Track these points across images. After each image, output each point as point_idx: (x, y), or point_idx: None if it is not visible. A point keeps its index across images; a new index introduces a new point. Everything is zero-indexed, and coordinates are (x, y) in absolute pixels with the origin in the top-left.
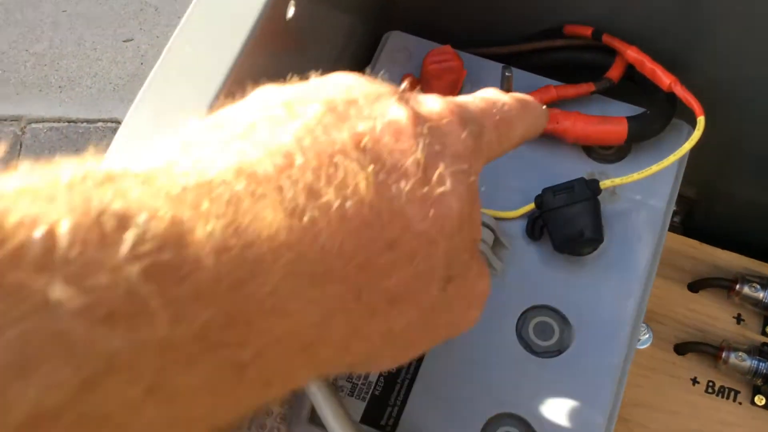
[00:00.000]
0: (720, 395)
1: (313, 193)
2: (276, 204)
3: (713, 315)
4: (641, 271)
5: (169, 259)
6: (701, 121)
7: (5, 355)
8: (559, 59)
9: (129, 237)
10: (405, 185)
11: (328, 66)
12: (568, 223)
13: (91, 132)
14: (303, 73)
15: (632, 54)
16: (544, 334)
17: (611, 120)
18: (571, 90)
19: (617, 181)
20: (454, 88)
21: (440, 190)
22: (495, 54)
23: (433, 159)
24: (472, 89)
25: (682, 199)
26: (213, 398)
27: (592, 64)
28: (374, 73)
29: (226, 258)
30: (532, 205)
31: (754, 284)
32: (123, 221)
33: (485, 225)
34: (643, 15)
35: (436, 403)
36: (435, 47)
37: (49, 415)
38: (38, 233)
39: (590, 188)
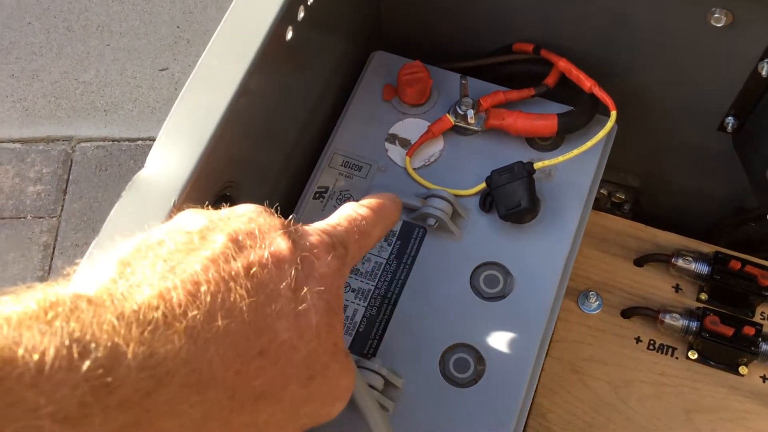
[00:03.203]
0: (660, 351)
1: (209, 317)
2: (181, 329)
3: (655, 285)
4: (570, 234)
5: (107, 378)
6: (613, 114)
7: None
8: (508, 70)
9: (86, 365)
10: (276, 305)
11: (324, 81)
12: (509, 196)
13: (132, 149)
14: (303, 90)
15: (563, 64)
16: (492, 283)
17: (544, 116)
18: (515, 94)
19: (547, 162)
20: (423, 93)
21: (302, 306)
22: (458, 67)
23: (301, 282)
24: (439, 94)
25: (629, 189)
26: None
27: (535, 74)
28: (362, 87)
29: (142, 375)
30: (483, 185)
31: (688, 258)
32: (83, 350)
33: (446, 200)
34: (573, 33)
35: (406, 337)
36: (410, 62)
37: None
38: (35, 359)
39: (526, 169)
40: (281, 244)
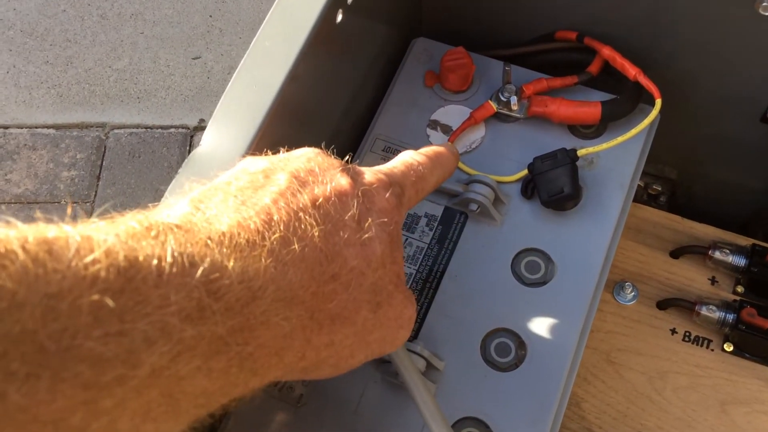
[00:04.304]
0: (695, 343)
1: (285, 241)
2: (264, 252)
3: (691, 277)
4: (611, 221)
5: (217, 284)
6: (658, 102)
7: (141, 336)
8: (551, 58)
9: (199, 271)
10: (344, 234)
11: (368, 66)
12: (551, 183)
13: (165, 136)
14: (348, 74)
15: (607, 52)
16: (533, 269)
17: (588, 104)
18: (558, 81)
19: (591, 149)
20: (466, 80)
21: (367, 235)
22: (500, 55)
23: (364, 214)
24: (480, 81)
25: (666, 180)
26: (225, 376)
27: (577, 62)
28: (403, 73)
29: (241, 286)
30: (525, 172)
31: (725, 250)
32: (192, 260)
33: (488, 185)
34: (617, 21)
35: (448, 320)
36: (453, 49)
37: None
38: (154, 263)
39: (569, 156)
40: (341, 180)
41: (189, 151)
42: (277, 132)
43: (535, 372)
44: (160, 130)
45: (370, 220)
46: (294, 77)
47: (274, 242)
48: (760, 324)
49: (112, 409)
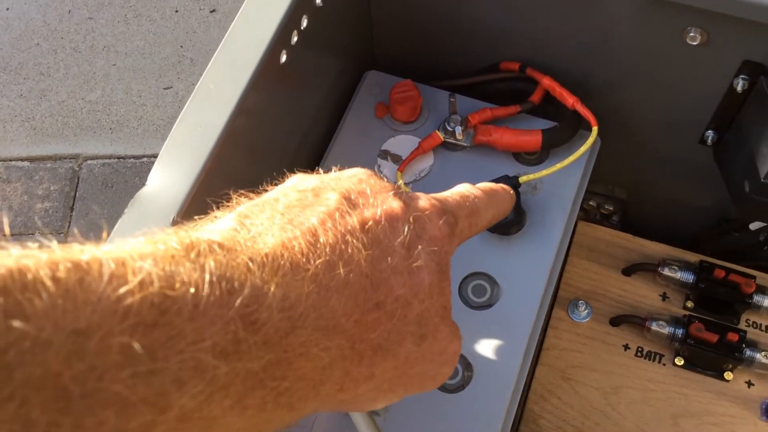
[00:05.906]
0: (647, 358)
1: (329, 266)
2: (307, 276)
3: (642, 294)
4: (554, 244)
5: (255, 316)
6: (595, 130)
7: (172, 375)
8: (496, 88)
9: (237, 301)
10: (392, 260)
11: (319, 100)
12: None
13: (138, 166)
14: (299, 109)
15: (547, 81)
16: (479, 293)
17: (529, 132)
18: (502, 111)
19: (532, 176)
20: (414, 111)
21: (416, 264)
22: (447, 85)
23: (414, 241)
24: (429, 111)
25: (617, 200)
26: (260, 413)
27: (521, 91)
28: (355, 106)
29: (280, 315)
30: None
31: (674, 266)
32: (231, 288)
33: None
34: (556, 52)
35: None
36: (401, 82)
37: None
38: (192, 292)
39: (511, 182)
40: (393, 203)
41: None
42: (229, 167)
43: (481, 393)
44: (132, 159)
45: (419, 247)
46: (241, 113)
47: (319, 266)
48: (707, 338)
49: None
